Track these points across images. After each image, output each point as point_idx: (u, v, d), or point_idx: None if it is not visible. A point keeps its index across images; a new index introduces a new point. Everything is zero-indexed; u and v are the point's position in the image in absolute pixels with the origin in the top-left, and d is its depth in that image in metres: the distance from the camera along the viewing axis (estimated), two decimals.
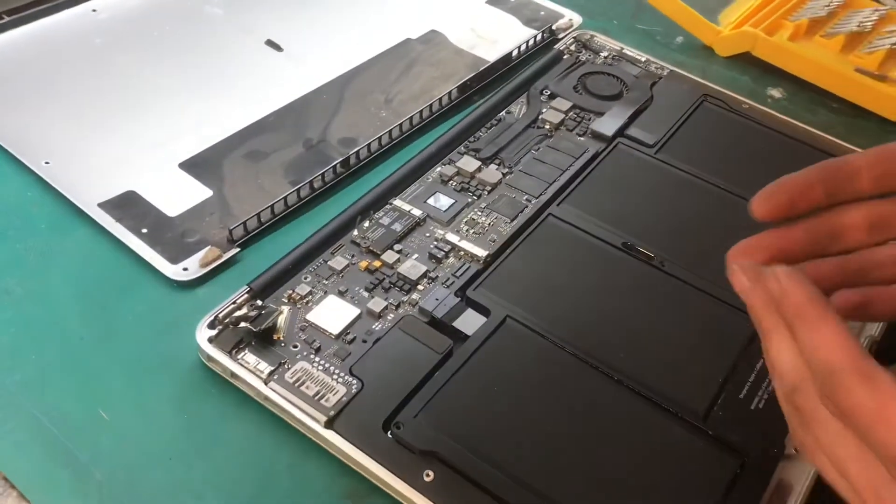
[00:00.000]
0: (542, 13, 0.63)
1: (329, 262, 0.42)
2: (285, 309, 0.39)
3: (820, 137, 0.53)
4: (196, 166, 0.48)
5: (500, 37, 0.61)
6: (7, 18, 0.56)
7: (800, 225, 0.31)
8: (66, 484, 0.34)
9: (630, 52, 0.58)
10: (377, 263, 0.42)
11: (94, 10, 0.58)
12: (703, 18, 0.62)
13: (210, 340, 0.38)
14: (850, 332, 0.24)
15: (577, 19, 0.62)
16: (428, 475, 0.34)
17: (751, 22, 0.61)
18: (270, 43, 0.58)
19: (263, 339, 0.38)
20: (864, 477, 0.23)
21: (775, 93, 0.59)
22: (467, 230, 0.44)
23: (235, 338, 0.38)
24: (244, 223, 0.44)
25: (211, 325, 0.38)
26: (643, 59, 0.58)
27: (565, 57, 0.58)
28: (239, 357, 0.37)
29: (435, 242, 0.43)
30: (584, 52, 0.58)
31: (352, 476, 0.35)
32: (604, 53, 0.58)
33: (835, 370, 0.23)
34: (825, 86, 0.59)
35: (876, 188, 0.31)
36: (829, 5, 0.62)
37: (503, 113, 0.52)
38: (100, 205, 0.45)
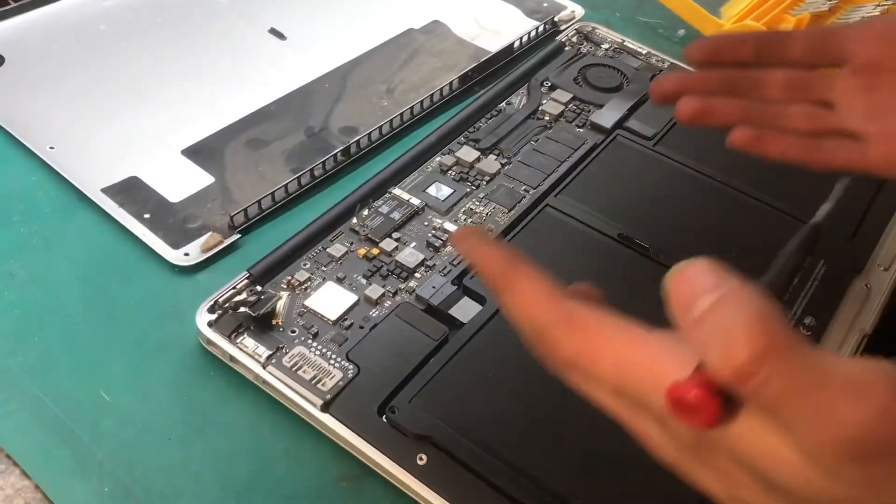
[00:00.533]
0: (545, 4, 0.64)
1: (328, 250, 0.42)
2: (284, 295, 0.40)
3: None
4: (198, 153, 0.48)
5: (503, 28, 0.61)
6: (13, 4, 0.56)
7: (723, 70, 0.36)
8: (67, 462, 0.35)
9: (631, 44, 0.59)
10: (375, 251, 0.42)
11: None
12: (704, 11, 0.62)
13: (210, 325, 0.38)
14: (543, 280, 0.23)
15: (579, 11, 0.62)
16: (421, 459, 0.34)
17: (752, 16, 0.61)
18: (274, 31, 0.58)
19: (262, 324, 0.39)
20: (614, 407, 0.23)
21: None
22: (465, 219, 0.45)
23: (235, 322, 0.38)
24: (245, 210, 0.44)
25: (211, 310, 0.39)
26: (644, 52, 0.58)
27: (566, 49, 0.58)
28: (238, 341, 0.38)
29: (433, 231, 0.44)
30: (585, 44, 0.59)
31: (347, 459, 0.35)
32: (605, 46, 0.59)
33: (540, 330, 0.23)
34: None
35: (805, 58, 0.36)
36: (830, 0, 0.63)
37: (503, 104, 0.53)
38: (103, 190, 0.45)
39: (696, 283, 0.20)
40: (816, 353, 0.18)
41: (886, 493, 0.18)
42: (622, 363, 0.21)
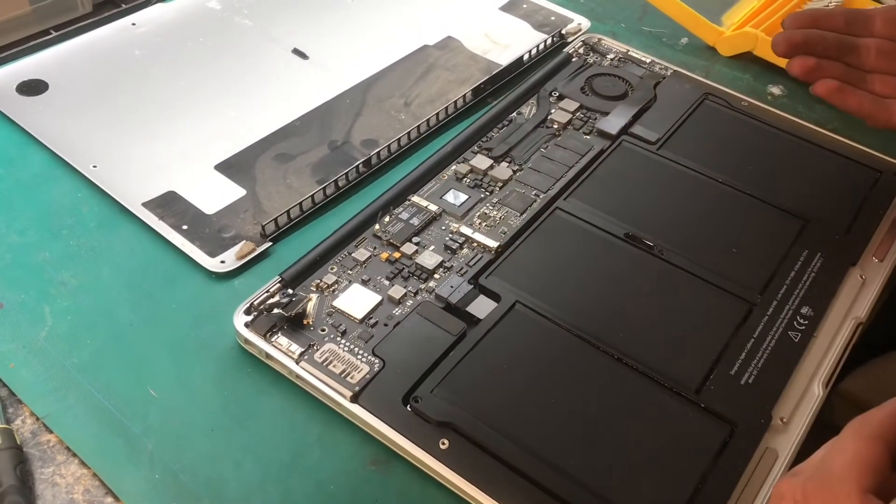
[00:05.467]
0: (553, 18, 0.67)
1: (353, 254, 0.46)
2: (314, 296, 0.43)
3: (817, 133, 0.55)
4: (230, 167, 0.52)
5: (513, 42, 0.64)
6: (55, 34, 0.60)
7: (830, 34, 0.48)
8: (121, 452, 0.38)
9: (635, 53, 0.62)
10: (397, 254, 0.46)
11: (133, 24, 0.63)
12: (705, 20, 0.65)
13: (246, 325, 0.42)
14: None
15: (585, 24, 0.65)
16: (443, 443, 0.37)
17: (752, 23, 0.64)
18: (297, 52, 0.62)
19: (294, 324, 0.42)
20: None
21: (775, 90, 0.62)
22: (480, 223, 0.48)
23: (269, 322, 0.42)
24: (275, 219, 0.48)
25: (247, 312, 0.42)
26: (648, 61, 0.61)
27: (573, 60, 0.61)
28: (273, 339, 0.41)
29: (450, 235, 0.47)
30: (591, 54, 0.62)
31: (375, 445, 0.39)
32: (610, 56, 0.61)
33: None
34: None
35: (884, 32, 0.47)
36: (828, 5, 0.65)
37: (514, 114, 0.56)
38: (143, 204, 0.49)
39: None
40: None
41: None
42: None
